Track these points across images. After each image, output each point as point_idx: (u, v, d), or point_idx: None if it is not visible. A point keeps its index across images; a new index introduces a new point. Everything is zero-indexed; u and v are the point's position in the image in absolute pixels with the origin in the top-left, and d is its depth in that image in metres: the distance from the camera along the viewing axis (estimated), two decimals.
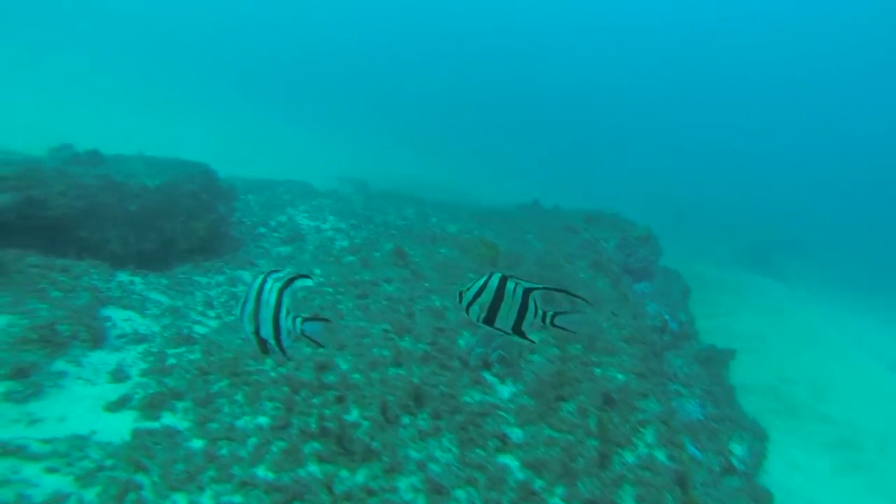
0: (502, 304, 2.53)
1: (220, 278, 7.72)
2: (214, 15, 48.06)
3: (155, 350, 5.29)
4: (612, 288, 8.46)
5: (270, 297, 2.56)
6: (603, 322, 6.55)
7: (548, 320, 2.51)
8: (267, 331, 2.57)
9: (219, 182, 9.27)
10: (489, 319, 2.56)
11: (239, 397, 4.32)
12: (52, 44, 30.99)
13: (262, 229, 9.87)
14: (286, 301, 2.58)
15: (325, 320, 2.78)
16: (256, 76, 39.66)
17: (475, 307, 2.57)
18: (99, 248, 7.12)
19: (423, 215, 11.04)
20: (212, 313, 6.62)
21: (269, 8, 51.89)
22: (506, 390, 5.01)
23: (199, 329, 6.03)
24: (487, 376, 5.06)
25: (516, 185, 27.86)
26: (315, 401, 4.19)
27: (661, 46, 59.47)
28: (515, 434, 4.47)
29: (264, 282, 2.59)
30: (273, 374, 4.54)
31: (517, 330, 2.55)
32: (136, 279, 6.84)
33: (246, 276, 7.96)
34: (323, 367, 4.55)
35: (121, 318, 5.85)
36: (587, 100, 51.75)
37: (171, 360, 5.01)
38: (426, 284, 6.96)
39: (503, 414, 4.63)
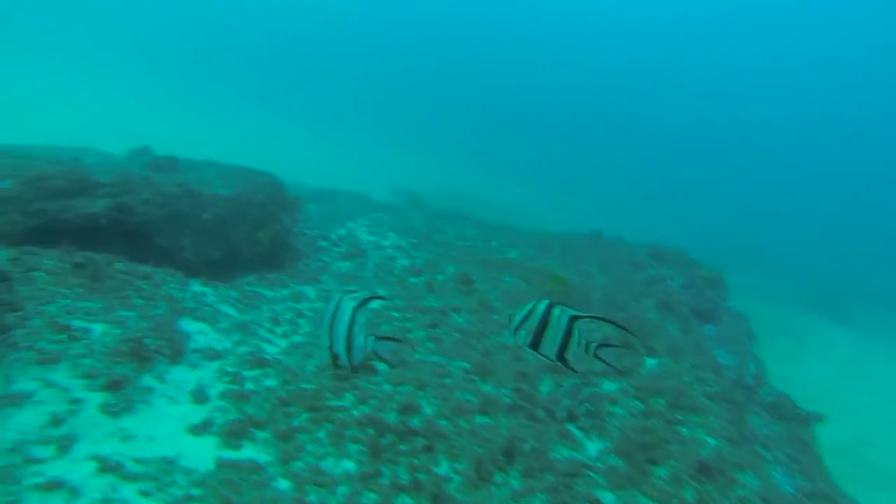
0: (547, 330, 2.57)
1: (285, 292, 7.69)
2: (257, 22, 49.49)
3: (230, 370, 5.21)
4: (684, 333, 8.03)
5: (345, 315, 2.74)
6: (684, 375, 6.16)
7: (591, 350, 2.52)
8: (339, 346, 2.75)
9: (285, 192, 9.31)
10: (534, 344, 2.61)
11: (321, 435, 4.16)
12: (103, 44, 32.47)
13: (324, 242, 9.85)
14: (360, 319, 2.74)
15: (397, 340, 3.09)
16: (303, 84, 40.54)
17: (522, 331, 2.63)
18: (173, 255, 7.18)
19: (483, 238, 10.83)
20: (279, 330, 6.57)
21: (308, 12, 52.86)
22: (592, 446, 4.71)
23: (268, 348, 5.96)
24: (573, 430, 4.77)
25: (558, 200, 27.42)
26: (402, 447, 4.00)
27: (726, 75, 57.22)
28: (607, 499, 4.16)
29: (341, 300, 2.79)
30: (355, 412, 4.37)
31: (561, 358, 2.58)
32: (208, 290, 6.85)
33: (310, 291, 7.91)
34: (407, 409, 4.36)
35: (195, 331, 5.83)
36: (644, 123, 50.68)
37: (249, 385, 4.91)
38: (496, 318, 6.72)
39: (593, 475, 4.33)
